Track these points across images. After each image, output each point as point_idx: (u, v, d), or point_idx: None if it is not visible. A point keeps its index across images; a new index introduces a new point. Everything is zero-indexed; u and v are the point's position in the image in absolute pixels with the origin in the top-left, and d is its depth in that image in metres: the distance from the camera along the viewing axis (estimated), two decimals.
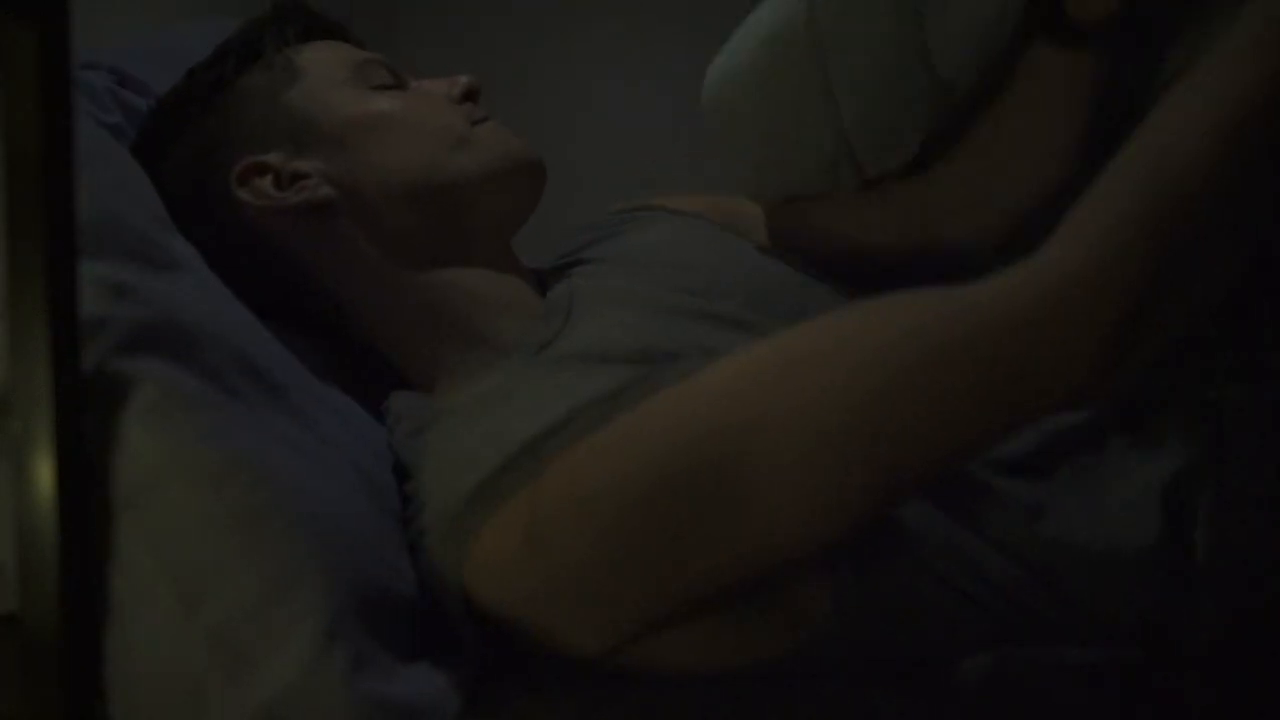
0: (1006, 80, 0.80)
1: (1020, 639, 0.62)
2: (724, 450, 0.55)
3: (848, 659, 0.61)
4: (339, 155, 0.76)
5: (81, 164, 0.49)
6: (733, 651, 0.60)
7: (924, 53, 0.79)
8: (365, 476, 0.66)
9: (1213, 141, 0.56)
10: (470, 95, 0.81)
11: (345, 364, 0.79)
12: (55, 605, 0.50)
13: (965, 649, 0.62)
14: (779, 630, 0.60)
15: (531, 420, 0.60)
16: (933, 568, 0.61)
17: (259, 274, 0.76)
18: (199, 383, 0.59)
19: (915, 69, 0.80)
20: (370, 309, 0.77)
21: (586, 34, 1.91)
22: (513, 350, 0.71)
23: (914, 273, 0.61)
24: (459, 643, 0.62)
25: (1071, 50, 0.76)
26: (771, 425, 0.55)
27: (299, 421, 0.65)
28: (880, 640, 0.62)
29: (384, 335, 0.77)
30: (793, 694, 0.60)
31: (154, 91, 0.94)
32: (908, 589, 0.61)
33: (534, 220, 0.83)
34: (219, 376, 0.61)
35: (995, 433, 0.58)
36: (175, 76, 1.01)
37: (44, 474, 0.49)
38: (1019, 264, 0.56)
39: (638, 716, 0.58)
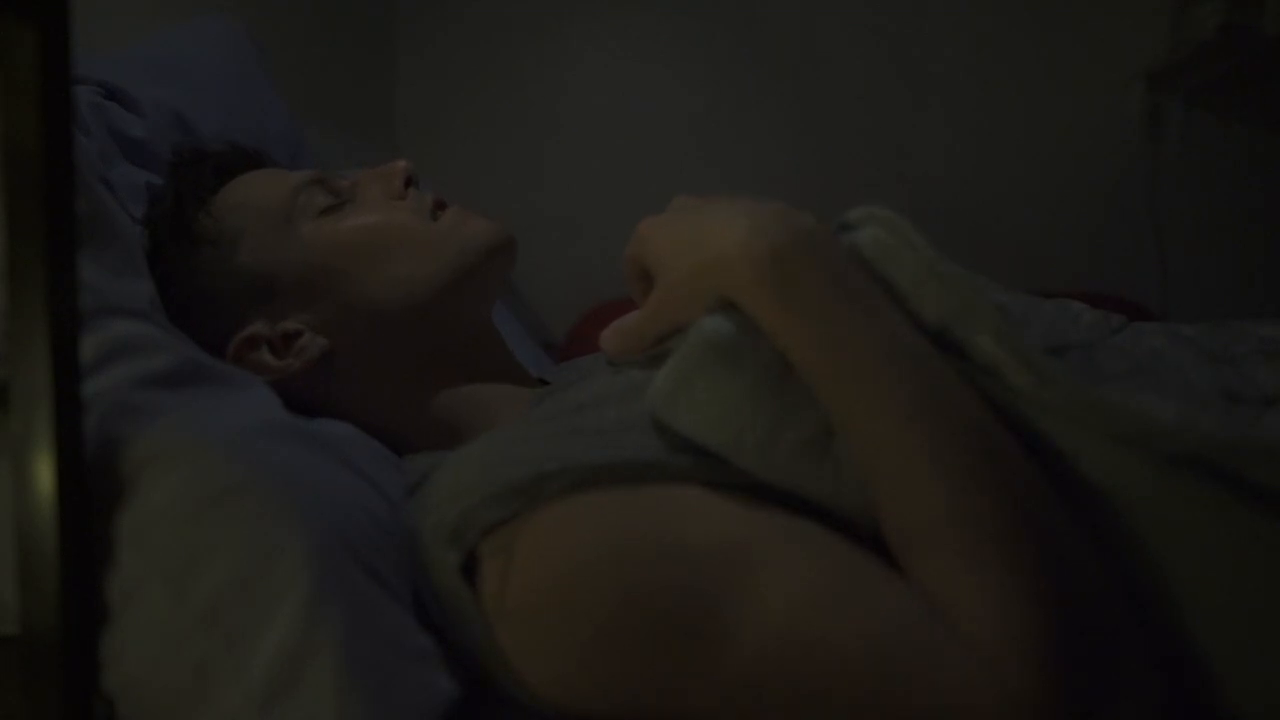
0: None
1: None
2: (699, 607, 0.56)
3: None
4: (318, 303, 0.76)
5: None
6: None
7: None
8: (334, 448, 0.66)
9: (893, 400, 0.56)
10: (409, 182, 0.81)
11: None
12: (56, 604, 0.50)
13: None
14: None
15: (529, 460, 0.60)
16: None
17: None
18: (158, 377, 0.60)
19: None
20: (383, 424, 0.77)
21: (591, 25, 1.91)
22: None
23: None
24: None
25: None
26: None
27: (261, 402, 0.66)
28: None
29: (394, 440, 0.78)
30: None
31: (142, 106, 0.95)
32: None
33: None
34: (176, 373, 0.62)
35: None
36: (168, 86, 1.01)
37: (44, 474, 0.49)
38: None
39: None
